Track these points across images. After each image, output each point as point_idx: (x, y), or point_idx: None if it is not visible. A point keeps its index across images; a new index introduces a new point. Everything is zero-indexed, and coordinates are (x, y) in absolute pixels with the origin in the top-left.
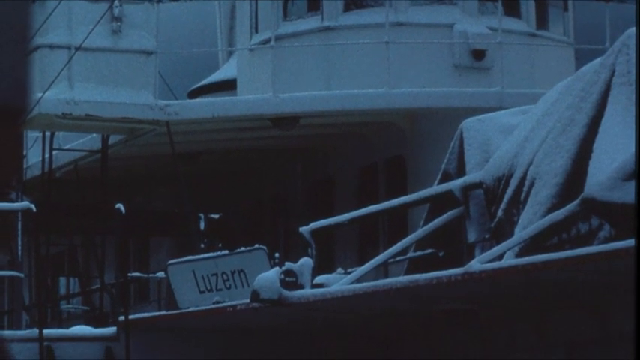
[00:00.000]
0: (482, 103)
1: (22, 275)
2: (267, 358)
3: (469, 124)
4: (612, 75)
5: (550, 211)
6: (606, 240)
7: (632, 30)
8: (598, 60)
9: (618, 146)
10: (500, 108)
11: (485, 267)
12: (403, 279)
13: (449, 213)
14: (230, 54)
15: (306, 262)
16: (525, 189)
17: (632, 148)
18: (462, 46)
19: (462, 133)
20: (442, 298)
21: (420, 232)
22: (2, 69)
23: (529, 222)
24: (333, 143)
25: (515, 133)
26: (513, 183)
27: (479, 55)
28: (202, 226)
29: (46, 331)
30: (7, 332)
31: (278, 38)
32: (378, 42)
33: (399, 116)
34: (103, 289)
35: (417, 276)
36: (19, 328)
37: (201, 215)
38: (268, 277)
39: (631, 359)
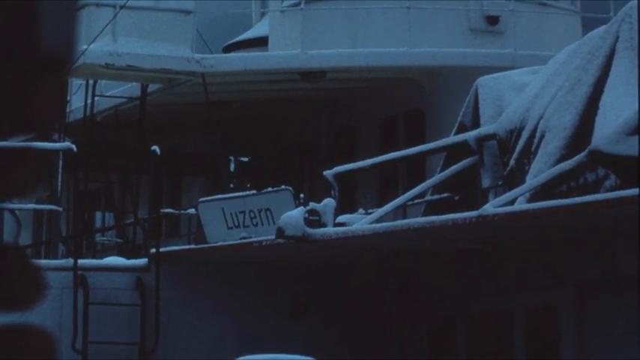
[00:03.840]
0: (496, 63)
1: (60, 209)
2: (289, 290)
3: (484, 81)
4: (616, 41)
5: (559, 161)
6: (612, 189)
7: (635, 2)
8: (603, 27)
9: (623, 104)
10: (513, 68)
11: (499, 211)
12: (421, 220)
13: (464, 161)
14: (263, 14)
15: (329, 203)
16: (536, 140)
17: (636, 106)
18: (477, 12)
19: (477, 89)
20: (457, 238)
21: (437, 178)
22: (53, 23)
23: (539, 171)
24: (356, 96)
25: (527, 90)
26: (525, 135)
27: (493, 20)
28: (232, 167)
29: (80, 261)
30: (43, 261)
31: (308, 1)
32: (400, 7)
33: (418, 73)
34: (136, 223)
35: (434, 217)
36: (56, 258)
37: (232, 157)
38: (293, 216)
39: (635, 297)
